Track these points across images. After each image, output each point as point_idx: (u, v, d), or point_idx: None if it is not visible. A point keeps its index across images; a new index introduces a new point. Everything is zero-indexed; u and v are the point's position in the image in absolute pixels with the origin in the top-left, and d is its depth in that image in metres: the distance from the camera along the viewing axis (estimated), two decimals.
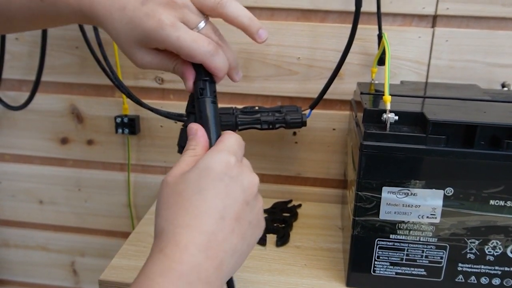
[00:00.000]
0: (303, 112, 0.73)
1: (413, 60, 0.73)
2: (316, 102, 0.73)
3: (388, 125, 0.54)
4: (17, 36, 0.82)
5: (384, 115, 0.54)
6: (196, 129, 0.44)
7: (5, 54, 0.82)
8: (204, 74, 0.45)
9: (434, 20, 0.72)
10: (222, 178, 0.39)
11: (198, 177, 0.39)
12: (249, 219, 0.40)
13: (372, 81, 0.71)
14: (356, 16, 0.67)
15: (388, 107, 0.54)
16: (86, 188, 0.89)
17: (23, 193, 0.91)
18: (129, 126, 0.81)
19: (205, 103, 0.45)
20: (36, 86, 0.79)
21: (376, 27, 0.71)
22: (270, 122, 0.71)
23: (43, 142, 0.87)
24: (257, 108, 0.73)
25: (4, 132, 0.88)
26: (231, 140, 0.43)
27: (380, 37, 0.71)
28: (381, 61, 0.70)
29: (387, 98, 0.54)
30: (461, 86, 0.70)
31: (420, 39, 0.72)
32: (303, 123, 0.71)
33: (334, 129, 0.79)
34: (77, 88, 0.84)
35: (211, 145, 0.44)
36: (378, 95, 0.63)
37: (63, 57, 0.82)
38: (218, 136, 0.44)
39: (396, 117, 0.54)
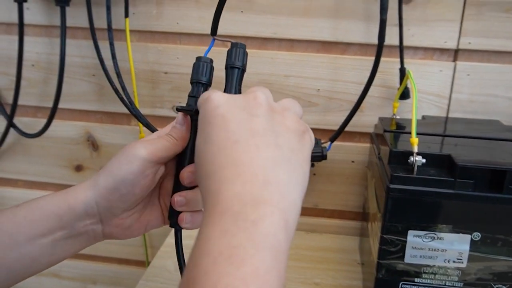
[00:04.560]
0: (323, 145, 0.72)
1: (434, 93, 0.72)
2: (337, 135, 0.72)
3: (416, 168, 0.53)
4: (33, 62, 0.82)
5: (411, 158, 0.53)
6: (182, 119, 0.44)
7: (21, 81, 0.81)
8: None
9: (455, 54, 0.71)
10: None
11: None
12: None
13: (394, 116, 0.70)
14: (379, 50, 0.66)
15: (415, 149, 0.53)
16: None
17: None
18: None
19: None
20: (53, 113, 0.79)
21: (397, 60, 0.71)
22: None
23: (57, 169, 0.87)
24: None
25: (18, 158, 0.87)
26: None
27: (401, 71, 0.70)
28: (403, 96, 0.70)
29: (414, 140, 0.53)
30: (483, 122, 0.70)
31: (442, 72, 0.71)
32: (324, 157, 0.71)
33: (353, 162, 0.78)
34: (93, 116, 0.84)
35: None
36: (402, 133, 0.62)
37: (80, 85, 0.81)
38: None
39: (424, 160, 0.53)
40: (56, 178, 0.87)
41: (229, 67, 0.45)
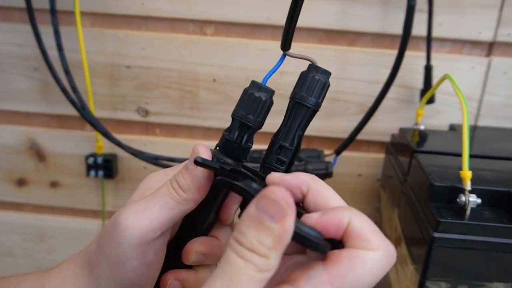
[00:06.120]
0: (327, 159, 0.59)
1: None
2: (344, 146, 0.59)
3: (469, 211, 0.40)
4: None
5: (463, 197, 0.40)
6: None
7: None
8: None
9: (490, 47, 0.58)
10: None
11: None
12: None
13: (417, 126, 0.57)
14: (404, 43, 0.53)
15: (468, 187, 0.40)
16: (50, 238, 0.72)
17: None
18: (104, 168, 0.65)
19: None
20: None
21: (419, 54, 0.58)
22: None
23: None
24: None
25: None
26: None
27: (427, 69, 0.57)
28: (430, 100, 0.57)
29: (467, 174, 0.40)
30: None
31: (473, 70, 0.58)
32: (329, 174, 0.57)
33: (359, 175, 0.65)
34: (37, 119, 0.67)
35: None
36: (438, 154, 0.49)
37: (18, 80, 0.64)
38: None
39: (479, 200, 0.40)
40: None
41: (295, 101, 0.30)
